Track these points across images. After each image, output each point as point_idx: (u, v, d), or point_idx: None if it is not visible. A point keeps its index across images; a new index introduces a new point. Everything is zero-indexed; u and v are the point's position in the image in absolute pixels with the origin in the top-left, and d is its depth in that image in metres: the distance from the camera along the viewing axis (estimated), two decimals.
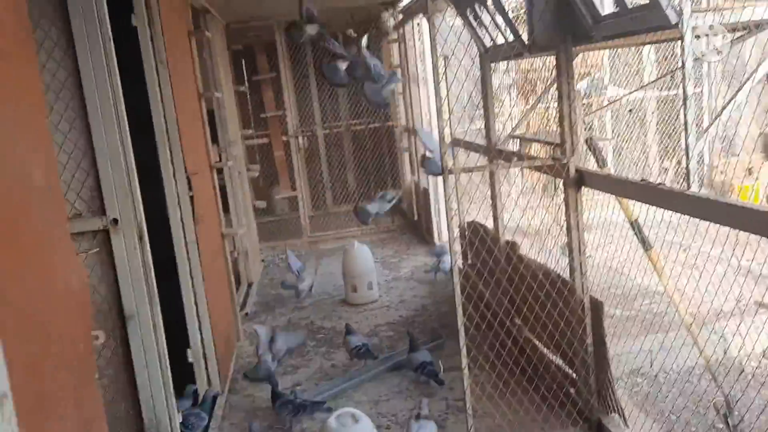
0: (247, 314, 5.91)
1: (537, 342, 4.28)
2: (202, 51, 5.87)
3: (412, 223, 8.57)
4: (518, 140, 4.29)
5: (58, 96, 2.91)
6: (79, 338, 2.19)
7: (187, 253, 4.01)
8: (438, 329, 5.08)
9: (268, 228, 9.10)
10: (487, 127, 4.61)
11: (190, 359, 4.06)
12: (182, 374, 4.10)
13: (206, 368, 4.15)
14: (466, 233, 5.99)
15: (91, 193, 2.99)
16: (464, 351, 3.27)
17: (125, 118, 2.96)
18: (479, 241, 5.54)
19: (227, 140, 6.40)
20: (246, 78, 9.14)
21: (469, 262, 5.99)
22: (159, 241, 3.97)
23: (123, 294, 3.03)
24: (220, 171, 6.22)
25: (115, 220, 2.98)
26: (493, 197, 4.69)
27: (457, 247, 6.73)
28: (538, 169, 3.40)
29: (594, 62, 8.03)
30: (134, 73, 3.68)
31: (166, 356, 3.12)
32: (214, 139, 6.06)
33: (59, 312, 2.08)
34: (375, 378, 4.45)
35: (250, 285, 6.66)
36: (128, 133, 2.98)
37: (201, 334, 4.11)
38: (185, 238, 4.00)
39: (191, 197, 4.03)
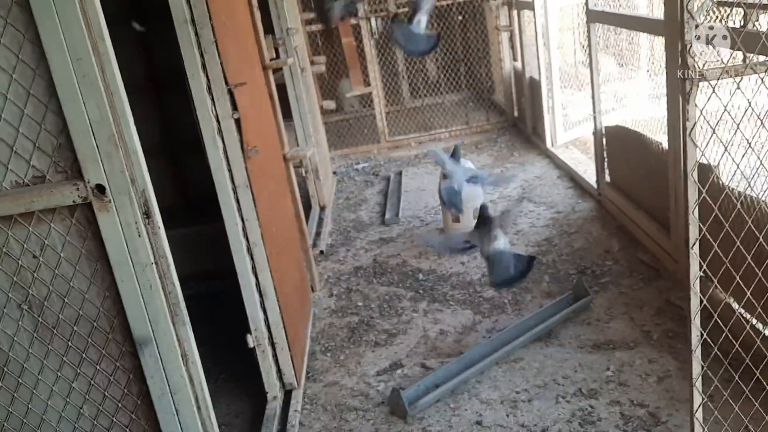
0: (322, 252, 4.73)
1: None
2: None
3: (512, 122, 7.06)
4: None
5: None
6: None
7: (238, 203, 2.76)
8: (577, 278, 3.75)
9: (336, 131, 7.76)
10: None
11: (251, 345, 2.93)
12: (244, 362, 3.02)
13: (274, 356, 3.01)
14: (603, 140, 4.52)
15: (58, 140, 1.72)
16: (697, 377, 1.93)
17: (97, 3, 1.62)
18: (629, 155, 4.07)
19: (285, 28, 4.98)
20: None
21: (608, 180, 4.55)
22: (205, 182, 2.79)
23: (127, 307, 1.82)
24: (276, 70, 4.87)
25: (101, 188, 1.71)
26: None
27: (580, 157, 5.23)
28: None
29: None
30: None
31: (207, 399, 1.94)
32: (269, 29, 4.66)
33: None
34: (507, 357, 3.22)
35: (322, 209, 5.45)
36: (104, 30, 1.65)
37: (265, 312, 2.94)
38: (232, 181, 2.74)
39: (237, 120, 2.72)
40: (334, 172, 6.62)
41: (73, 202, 1.72)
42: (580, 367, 3.06)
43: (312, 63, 6.28)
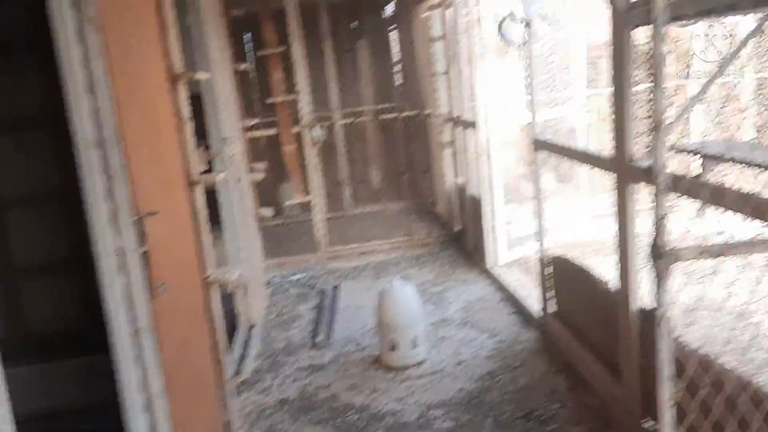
0: (244, 382, 4.29)
1: None
2: (183, 15, 4.21)
3: (455, 236, 6.90)
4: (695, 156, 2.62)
5: None
6: None
7: (138, 350, 2.37)
8: (525, 422, 3.44)
9: (274, 236, 7.45)
10: (619, 129, 2.92)
11: None
12: None
13: None
14: (546, 271, 4.34)
15: None
16: None
17: None
18: (574, 288, 3.88)
19: (220, 137, 4.75)
20: (252, 52, 7.43)
21: (553, 309, 4.33)
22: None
23: None
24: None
25: None
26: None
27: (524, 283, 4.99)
28: None
29: None
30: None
31: None
32: (202, 136, 4.40)
33: None
34: None
35: (251, 328, 5.03)
36: None
37: None
38: (133, 324, 2.37)
39: (145, 253, 2.39)
40: (268, 283, 6.25)
41: None
42: None
43: (251, 170, 6.03)
